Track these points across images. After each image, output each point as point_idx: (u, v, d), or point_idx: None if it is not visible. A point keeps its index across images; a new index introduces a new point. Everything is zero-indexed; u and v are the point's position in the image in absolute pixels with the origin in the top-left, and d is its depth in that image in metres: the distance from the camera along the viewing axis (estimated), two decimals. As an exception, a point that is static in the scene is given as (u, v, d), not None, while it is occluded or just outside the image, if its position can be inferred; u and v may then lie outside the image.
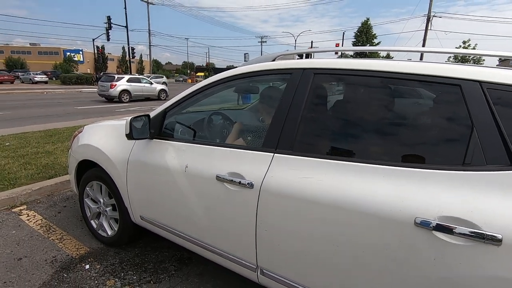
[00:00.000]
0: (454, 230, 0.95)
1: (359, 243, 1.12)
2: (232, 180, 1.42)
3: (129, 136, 1.68)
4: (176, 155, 1.70)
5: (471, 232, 0.91)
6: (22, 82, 31.71)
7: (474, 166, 0.99)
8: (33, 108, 10.83)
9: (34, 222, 2.62)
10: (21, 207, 2.89)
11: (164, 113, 1.84)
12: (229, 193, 1.44)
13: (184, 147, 1.70)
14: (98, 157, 2.10)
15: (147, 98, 15.99)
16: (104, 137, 2.15)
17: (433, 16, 22.84)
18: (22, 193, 3.01)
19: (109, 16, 23.43)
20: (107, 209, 2.24)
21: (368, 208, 1.09)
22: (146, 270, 2.04)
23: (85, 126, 2.45)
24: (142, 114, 1.76)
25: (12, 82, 29.86)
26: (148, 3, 28.97)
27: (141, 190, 1.89)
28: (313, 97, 1.37)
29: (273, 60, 1.61)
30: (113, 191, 2.09)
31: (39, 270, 2.00)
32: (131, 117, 1.68)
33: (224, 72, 1.67)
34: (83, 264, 2.07)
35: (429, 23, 22.76)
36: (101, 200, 2.26)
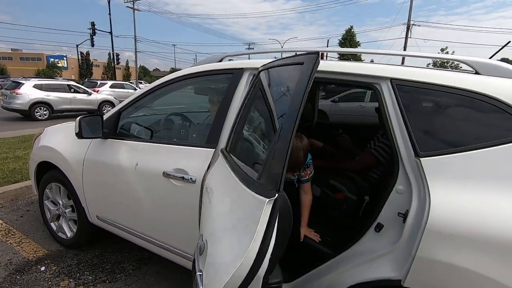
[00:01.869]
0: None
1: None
2: (176, 175, 1.47)
3: (79, 135, 1.71)
4: (128, 154, 1.74)
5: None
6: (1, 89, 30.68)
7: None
8: (12, 113, 10.50)
9: (-7, 227, 2.57)
10: (-18, 212, 2.84)
11: (118, 113, 1.87)
12: (174, 188, 1.49)
13: (135, 146, 1.74)
14: (55, 158, 2.11)
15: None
16: (61, 138, 2.16)
17: (413, 24, 23.67)
18: (-16, 198, 2.95)
19: (93, 22, 23.14)
20: (66, 210, 2.23)
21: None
22: (103, 270, 2.04)
23: (45, 128, 2.45)
24: (95, 114, 1.79)
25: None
26: (134, 9, 28.80)
27: (96, 189, 1.91)
28: (249, 96, 1.42)
29: (220, 61, 1.68)
30: (71, 192, 2.09)
31: (-9, 273, 1.97)
32: (80, 116, 1.71)
33: (172, 73, 1.73)
34: (39, 266, 2.06)
35: (409, 32, 23.55)
36: (60, 202, 2.26)
